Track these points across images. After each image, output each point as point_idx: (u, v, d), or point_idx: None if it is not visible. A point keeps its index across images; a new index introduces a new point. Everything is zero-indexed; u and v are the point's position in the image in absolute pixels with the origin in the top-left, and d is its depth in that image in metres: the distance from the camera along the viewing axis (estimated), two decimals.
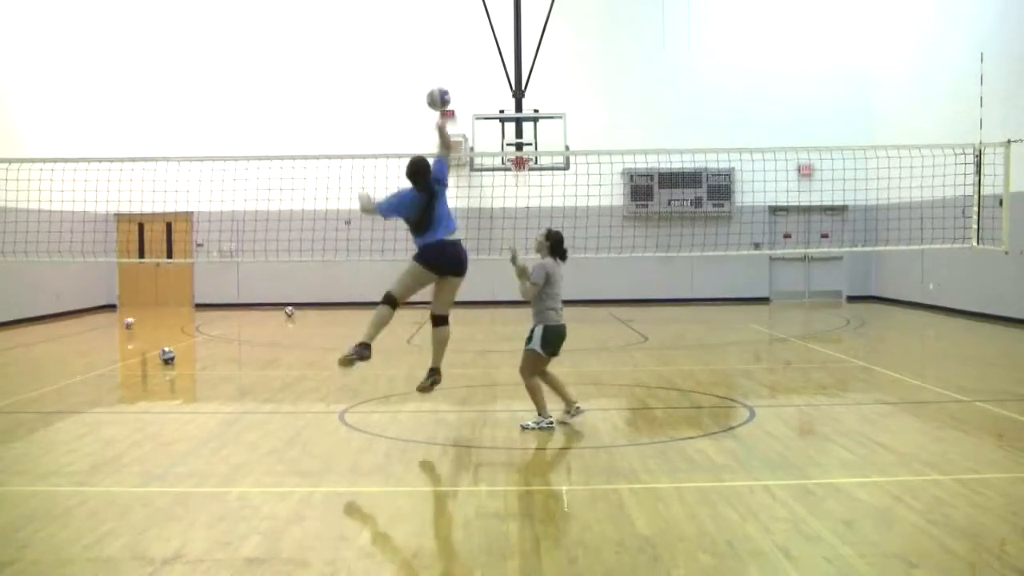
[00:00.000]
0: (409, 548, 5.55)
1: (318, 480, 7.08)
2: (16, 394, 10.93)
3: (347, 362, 8.69)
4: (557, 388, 8.78)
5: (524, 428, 8.54)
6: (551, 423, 8.57)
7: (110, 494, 6.69)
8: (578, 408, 8.78)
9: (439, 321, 8.92)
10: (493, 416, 9.34)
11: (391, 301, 8.67)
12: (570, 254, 8.98)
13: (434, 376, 8.94)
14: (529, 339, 8.62)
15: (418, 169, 8.70)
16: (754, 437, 8.33)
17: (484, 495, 6.67)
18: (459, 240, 8.83)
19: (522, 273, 8.58)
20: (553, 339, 8.64)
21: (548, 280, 8.57)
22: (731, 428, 8.77)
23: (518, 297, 8.86)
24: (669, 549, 5.46)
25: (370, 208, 8.87)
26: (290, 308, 21.98)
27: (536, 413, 8.61)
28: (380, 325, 8.70)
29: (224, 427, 9.05)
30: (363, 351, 8.64)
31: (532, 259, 8.81)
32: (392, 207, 8.78)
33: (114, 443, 8.29)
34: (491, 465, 7.57)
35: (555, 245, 8.72)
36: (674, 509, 6.19)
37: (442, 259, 8.67)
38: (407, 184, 8.76)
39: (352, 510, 6.31)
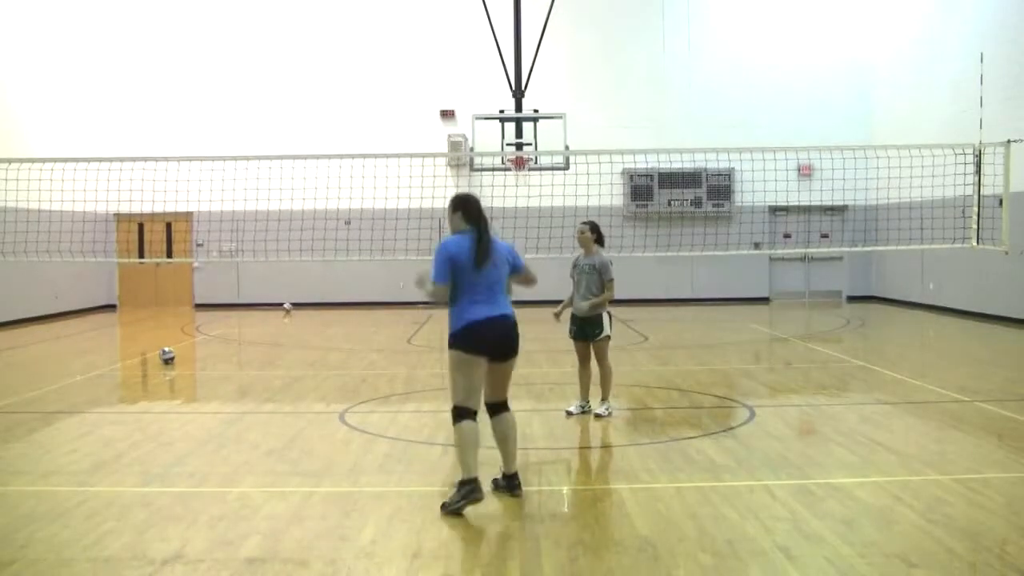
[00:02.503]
0: (409, 548, 5.55)
1: (318, 480, 7.07)
2: (16, 394, 10.93)
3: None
4: (588, 381, 9.37)
5: (598, 416, 9.07)
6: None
7: (110, 494, 6.69)
8: (589, 408, 9.32)
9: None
10: None
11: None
12: (570, 254, 9.24)
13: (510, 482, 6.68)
14: (599, 328, 9.11)
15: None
16: (754, 437, 8.32)
17: (484, 495, 6.65)
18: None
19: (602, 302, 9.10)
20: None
21: None
22: (731, 428, 8.77)
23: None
24: (669, 549, 5.46)
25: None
26: (287, 304, 22.01)
27: (604, 399, 9.23)
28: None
29: (224, 427, 9.05)
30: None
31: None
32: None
33: (114, 443, 8.29)
34: (491, 465, 7.56)
35: (601, 236, 9.30)
36: (674, 509, 6.19)
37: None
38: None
39: (352, 510, 6.30)
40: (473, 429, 6.33)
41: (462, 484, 6.25)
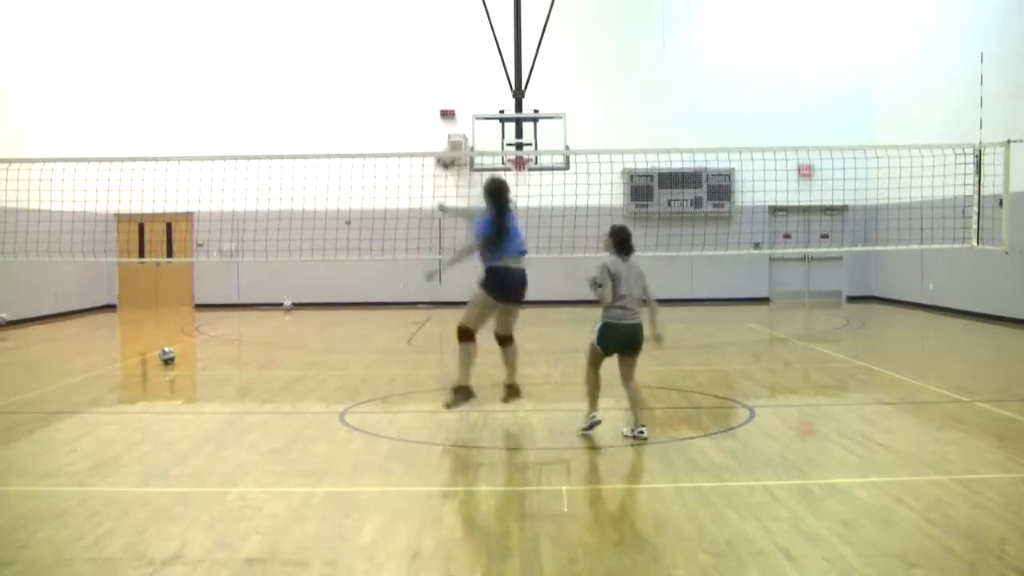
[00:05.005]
0: (409, 548, 5.55)
1: (318, 480, 7.07)
2: (16, 394, 10.93)
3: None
4: (597, 392, 8.58)
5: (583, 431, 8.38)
6: (597, 421, 8.39)
7: (110, 494, 6.69)
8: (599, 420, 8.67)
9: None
10: (493, 416, 9.34)
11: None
12: (570, 254, 9.00)
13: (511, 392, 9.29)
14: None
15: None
16: (754, 437, 8.32)
17: (484, 495, 6.66)
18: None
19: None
20: (609, 336, 8.47)
21: (613, 278, 8.44)
22: (731, 428, 8.76)
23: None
24: (669, 549, 5.46)
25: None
26: (288, 301, 22.00)
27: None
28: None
29: (224, 427, 9.05)
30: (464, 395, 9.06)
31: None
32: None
33: (114, 443, 8.29)
34: (491, 465, 7.56)
35: (619, 242, 8.57)
36: (674, 509, 6.19)
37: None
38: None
39: (352, 510, 6.30)
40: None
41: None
